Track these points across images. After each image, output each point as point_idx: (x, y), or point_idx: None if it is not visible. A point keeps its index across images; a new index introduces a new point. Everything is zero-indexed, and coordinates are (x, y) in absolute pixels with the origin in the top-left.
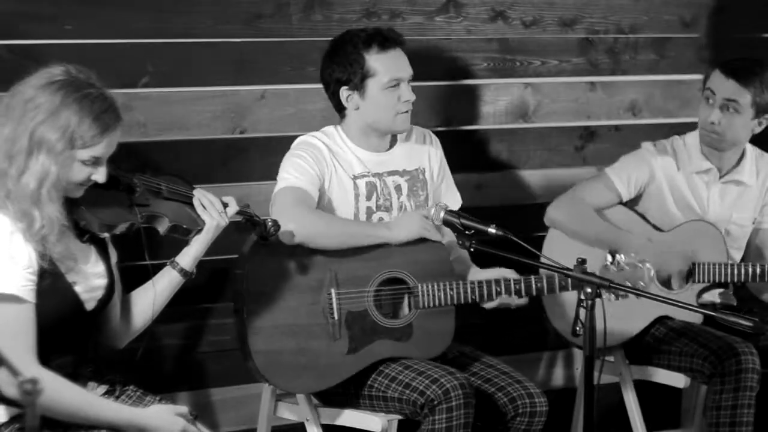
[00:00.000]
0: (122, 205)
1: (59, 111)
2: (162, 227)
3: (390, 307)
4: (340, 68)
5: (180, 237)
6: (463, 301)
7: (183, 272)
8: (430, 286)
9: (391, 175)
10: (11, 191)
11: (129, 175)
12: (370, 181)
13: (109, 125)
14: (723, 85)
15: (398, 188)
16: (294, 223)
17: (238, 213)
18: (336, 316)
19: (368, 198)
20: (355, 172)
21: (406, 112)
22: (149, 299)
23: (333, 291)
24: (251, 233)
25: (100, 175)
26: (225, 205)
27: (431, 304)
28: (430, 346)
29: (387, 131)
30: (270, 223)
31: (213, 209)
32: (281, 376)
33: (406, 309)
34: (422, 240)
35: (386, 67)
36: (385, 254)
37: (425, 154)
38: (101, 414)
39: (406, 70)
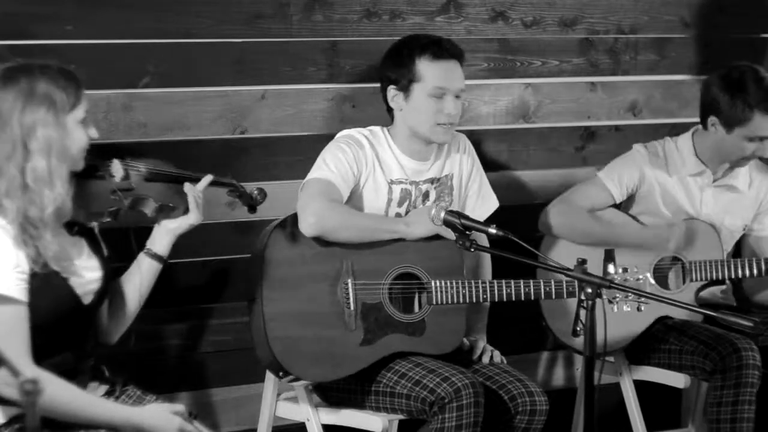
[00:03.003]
0: (105, 192)
1: (32, 90)
2: (149, 209)
3: (401, 301)
4: (392, 67)
5: (167, 217)
6: (475, 300)
7: (157, 257)
8: (442, 283)
9: (425, 184)
10: (12, 186)
11: (108, 162)
12: (406, 188)
13: (78, 81)
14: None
15: (426, 195)
16: (314, 216)
17: (226, 185)
18: (352, 306)
19: (399, 204)
20: (393, 176)
21: (447, 125)
22: (132, 291)
23: (350, 281)
24: (241, 204)
25: (93, 131)
26: None
27: (444, 301)
28: (442, 343)
29: (425, 139)
30: (256, 192)
31: (200, 209)
32: (298, 363)
33: (416, 305)
34: (436, 237)
35: (434, 75)
36: (400, 249)
37: (457, 161)
38: (99, 414)
39: (454, 84)
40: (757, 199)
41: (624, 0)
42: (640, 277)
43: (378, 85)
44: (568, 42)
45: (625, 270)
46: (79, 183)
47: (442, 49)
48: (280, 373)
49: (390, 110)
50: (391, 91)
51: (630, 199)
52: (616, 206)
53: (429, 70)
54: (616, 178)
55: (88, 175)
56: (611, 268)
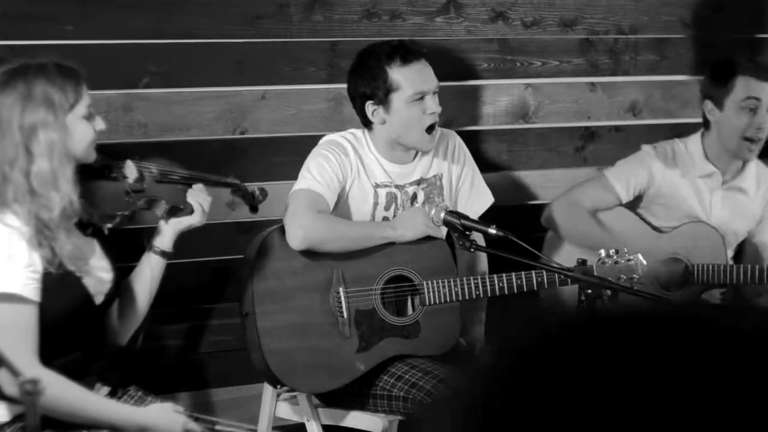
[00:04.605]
0: (119, 193)
1: (30, 91)
2: (160, 210)
3: (394, 305)
4: (363, 82)
5: (174, 217)
6: (468, 297)
7: (164, 254)
8: (435, 283)
9: (412, 186)
10: (20, 192)
11: (121, 163)
12: (391, 192)
13: (78, 76)
14: (764, 87)
15: (413, 197)
16: (301, 230)
17: (229, 185)
18: (345, 314)
19: (386, 208)
20: (377, 180)
21: (433, 124)
22: (143, 290)
23: (341, 289)
24: (243, 204)
25: (100, 123)
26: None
27: (437, 301)
28: (438, 343)
29: (412, 147)
30: (257, 192)
31: (205, 214)
32: (295, 376)
33: (410, 307)
34: (425, 237)
35: (409, 80)
36: (389, 252)
37: (446, 161)
38: (103, 413)
39: (430, 83)
40: (763, 202)
41: (624, 0)
42: (631, 257)
43: None
44: (568, 42)
45: (617, 251)
46: (92, 184)
47: (408, 51)
48: (278, 386)
49: (368, 123)
50: (370, 107)
51: (637, 199)
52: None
53: (402, 77)
54: (623, 178)
55: (102, 176)
56: (602, 252)
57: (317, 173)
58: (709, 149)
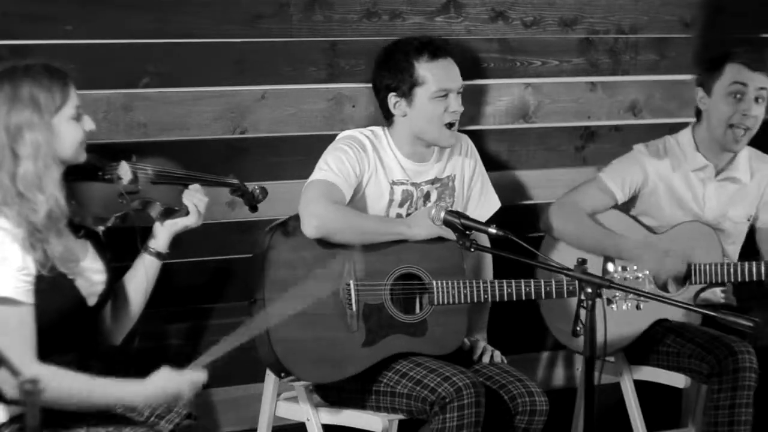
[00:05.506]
0: (112, 195)
1: (16, 92)
2: (154, 212)
3: (402, 302)
4: (389, 75)
5: (169, 218)
6: (476, 300)
7: (159, 255)
8: (444, 284)
9: (427, 184)
10: (8, 194)
11: (115, 164)
12: (407, 190)
13: (65, 77)
14: (752, 76)
15: (427, 195)
16: (316, 219)
17: (227, 185)
18: (354, 307)
19: (401, 205)
20: (394, 177)
21: (453, 123)
22: (137, 291)
23: (352, 282)
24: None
25: (89, 123)
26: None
27: (445, 301)
28: (444, 343)
29: (432, 143)
30: (258, 191)
31: (201, 215)
32: (300, 365)
33: (418, 305)
34: (438, 238)
35: (435, 76)
36: (401, 250)
37: (459, 162)
38: (110, 394)
39: (456, 81)
40: (759, 189)
41: (624, 0)
42: (640, 275)
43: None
44: (568, 42)
45: (624, 269)
46: (85, 186)
47: (437, 48)
48: (282, 374)
49: (390, 116)
50: (392, 98)
51: (632, 199)
52: (616, 206)
53: (429, 72)
54: (618, 178)
55: (95, 177)
56: (610, 267)
57: (334, 165)
58: (700, 141)
